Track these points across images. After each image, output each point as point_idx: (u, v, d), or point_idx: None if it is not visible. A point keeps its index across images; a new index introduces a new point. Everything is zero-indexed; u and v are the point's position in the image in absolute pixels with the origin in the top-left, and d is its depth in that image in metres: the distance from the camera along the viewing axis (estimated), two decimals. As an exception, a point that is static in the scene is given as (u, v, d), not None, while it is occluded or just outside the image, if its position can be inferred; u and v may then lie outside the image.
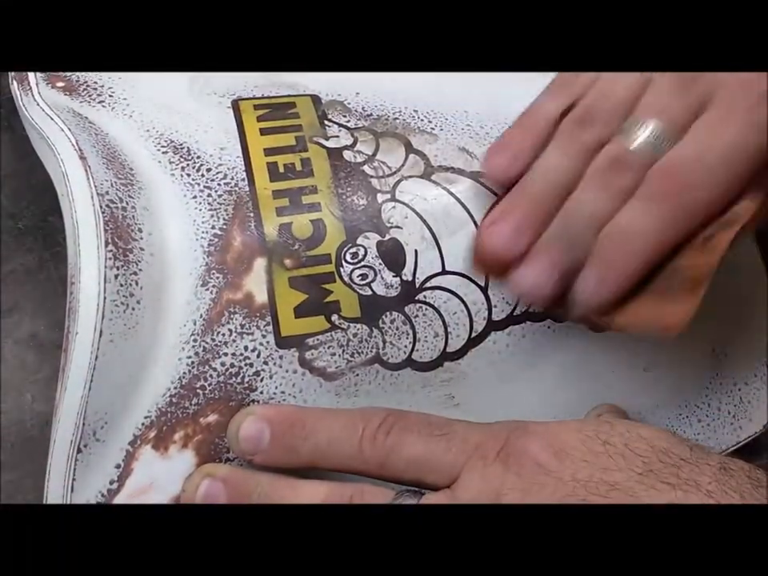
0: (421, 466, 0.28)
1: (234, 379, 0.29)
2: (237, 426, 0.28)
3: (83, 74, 0.34)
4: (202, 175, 0.31)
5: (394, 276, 0.30)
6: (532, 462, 0.27)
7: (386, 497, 0.27)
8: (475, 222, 0.31)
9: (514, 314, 0.31)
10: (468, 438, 0.28)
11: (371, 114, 0.33)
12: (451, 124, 0.33)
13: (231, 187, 0.31)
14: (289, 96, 0.34)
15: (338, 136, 0.32)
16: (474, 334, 0.31)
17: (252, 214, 0.30)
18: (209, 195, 0.31)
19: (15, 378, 0.35)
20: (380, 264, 0.30)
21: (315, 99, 0.34)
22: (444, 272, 0.30)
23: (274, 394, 0.29)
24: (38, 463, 0.29)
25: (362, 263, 0.30)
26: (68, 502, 0.28)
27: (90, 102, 0.33)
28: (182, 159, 0.31)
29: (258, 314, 0.29)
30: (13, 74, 0.33)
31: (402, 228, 0.30)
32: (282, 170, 0.31)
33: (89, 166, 0.29)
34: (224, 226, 0.30)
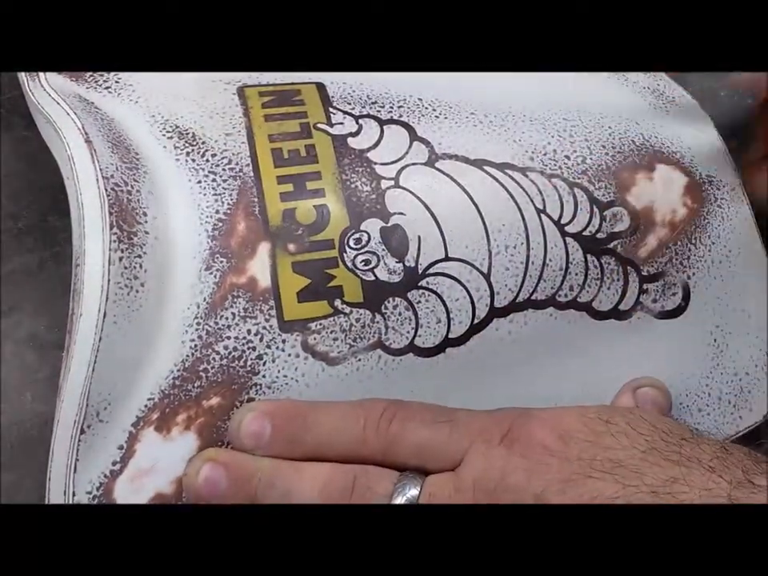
0: (424, 452, 0.28)
1: (236, 363, 0.29)
2: (238, 422, 0.28)
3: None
4: (207, 160, 0.31)
5: (396, 262, 0.30)
6: (537, 444, 0.27)
7: (390, 477, 0.28)
8: (478, 209, 0.31)
9: (517, 301, 0.31)
10: (471, 424, 0.28)
11: (376, 102, 0.33)
12: (455, 112, 0.34)
13: (236, 172, 0.31)
14: (294, 83, 0.34)
15: (342, 123, 0.32)
16: (476, 321, 0.31)
17: (256, 199, 0.30)
18: (213, 180, 0.31)
19: (15, 378, 0.35)
20: (383, 250, 0.30)
21: (320, 87, 0.34)
22: (447, 258, 0.30)
23: (277, 377, 0.29)
24: (38, 463, 0.29)
25: (366, 249, 0.30)
26: (71, 482, 0.28)
27: (96, 87, 0.33)
28: (187, 144, 0.31)
29: (261, 298, 0.29)
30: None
31: (405, 214, 0.31)
32: (286, 156, 0.31)
33: (94, 150, 0.29)
34: (228, 211, 0.30)
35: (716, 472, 0.25)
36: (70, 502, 0.28)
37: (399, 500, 0.27)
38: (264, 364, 0.29)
